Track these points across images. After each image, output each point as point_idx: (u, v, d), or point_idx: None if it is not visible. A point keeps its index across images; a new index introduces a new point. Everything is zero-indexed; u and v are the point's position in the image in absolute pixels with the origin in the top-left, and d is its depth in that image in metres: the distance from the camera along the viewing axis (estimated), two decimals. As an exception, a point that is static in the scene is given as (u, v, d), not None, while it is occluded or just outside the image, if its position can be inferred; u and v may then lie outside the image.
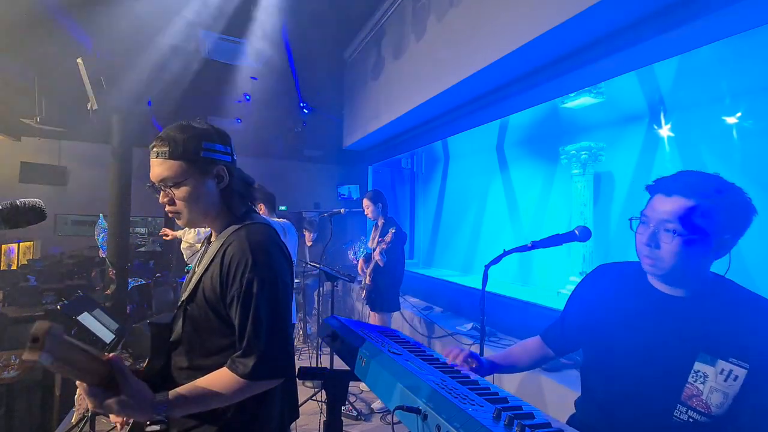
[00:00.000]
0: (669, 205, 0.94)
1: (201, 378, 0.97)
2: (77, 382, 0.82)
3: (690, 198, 0.92)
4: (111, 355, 0.85)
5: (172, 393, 0.91)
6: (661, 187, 0.97)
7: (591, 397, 1.18)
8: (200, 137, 1.03)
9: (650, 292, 1.05)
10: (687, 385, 0.94)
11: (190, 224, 1.09)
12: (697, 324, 0.96)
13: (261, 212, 2.95)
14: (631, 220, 1.05)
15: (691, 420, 0.93)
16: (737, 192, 0.94)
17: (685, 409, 0.94)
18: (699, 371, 0.93)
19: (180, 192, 1.03)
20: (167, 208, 1.06)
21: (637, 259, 1.07)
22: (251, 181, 1.17)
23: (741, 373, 0.89)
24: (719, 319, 0.95)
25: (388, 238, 3.42)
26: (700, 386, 0.93)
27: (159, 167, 1.02)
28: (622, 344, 1.05)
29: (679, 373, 0.95)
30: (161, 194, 1.05)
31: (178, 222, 1.09)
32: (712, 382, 0.91)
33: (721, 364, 0.91)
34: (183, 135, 1.02)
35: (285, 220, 2.99)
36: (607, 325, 1.10)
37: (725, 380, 0.90)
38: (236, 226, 1.07)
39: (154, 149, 1.02)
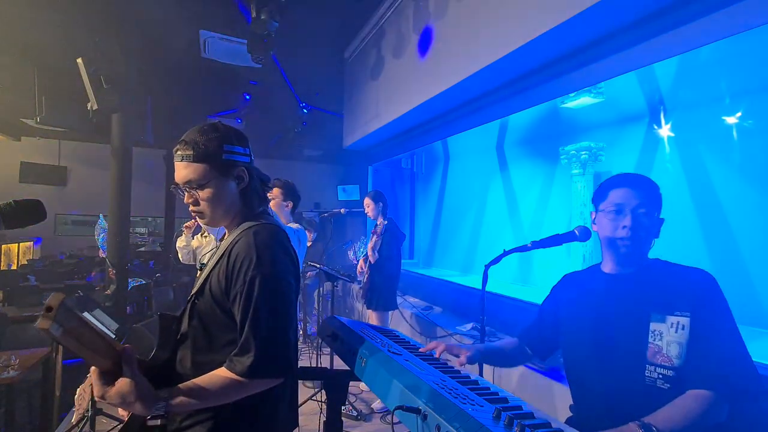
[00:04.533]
0: (638, 196, 1.19)
1: (202, 376, 0.98)
2: (91, 369, 0.85)
3: (648, 192, 1.20)
4: (126, 346, 0.88)
5: (173, 389, 0.93)
6: (627, 182, 1.23)
7: (579, 392, 1.27)
8: (222, 140, 1.07)
9: (604, 277, 1.27)
10: (649, 345, 1.11)
11: (212, 223, 1.13)
12: (645, 292, 1.16)
13: (288, 208, 2.90)
14: (596, 213, 1.28)
15: (660, 376, 1.08)
16: (657, 184, 1.23)
17: (653, 367, 1.09)
18: (655, 330, 1.11)
19: (204, 193, 1.07)
20: (191, 208, 1.10)
21: (595, 262, 1.34)
22: (267, 180, 1.21)
23: (686, 321, 1.08)
24: (661, 285, 1.15)
25: (378, 229, 3.43)
26: (659, 343, 1.10)
27: (184, 170, 1.06)
28: (591, 328, 1.22)
29: (640, 337, 1.12)
30: (186, 195, 1.09)
31: (201, 222, 1.14)
32: (668, 336, 1.09)
33: (670, 318, 1.10)
34: (205, 138, 1.06)
35: (299, 226, 2.94)
36: (576, 318, 1.28)
37: (676, 331, 1.08)
38: (247, 225, 1.09)
39: (179, 152, 1.06)
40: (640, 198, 1.18)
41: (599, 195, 1.27)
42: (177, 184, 1.09)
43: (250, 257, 1.00)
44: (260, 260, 1.00)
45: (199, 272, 1.15)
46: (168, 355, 1.06)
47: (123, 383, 0.86)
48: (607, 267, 1.27)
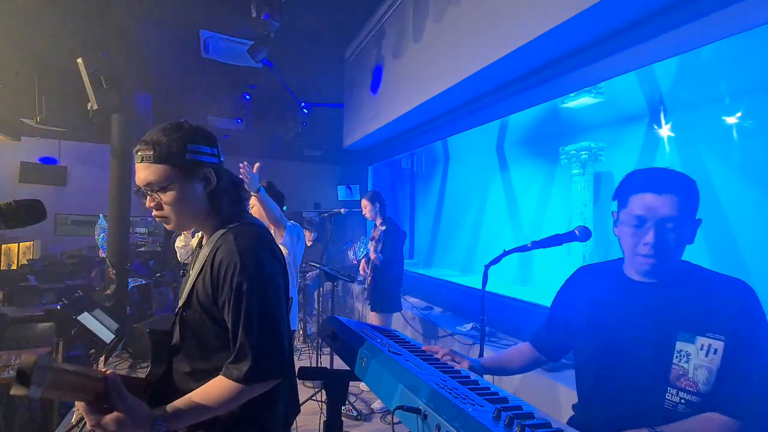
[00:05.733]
0: (666, 203, 1.00)
1: (198, 388, 0.96)
2: (77, 404, 0.82)
3: (679, 195, 1.00)
4: (108, 372, 0.83)
5: (170, 407, 0.90)
6: (650, 186, 1.02)
7: (587, 397, 1.20)
8: (185, 139, 1.00)
9: (627, 283, 1.12)
10: (673, 366, 0.98)
11: (179, 228, 1.08)
12: (673, 306, 1.02)
13: None
14: (617, 214, 1.11)
15: (682, 401, 0.97)
16: (692, 180, 1.04)
17: (675, 391, 0.98)
18: (681, 351, 0.98)
19: (166, 196, 1.00)
20: (154, 213, 1.04)
21: (617, 257, 1.18)
22: (240, 182, 1.15)
23: (719, 345, 0.94)
24: (692, 299, 1.01)
25: (376, 234, 3.44)
26: (685, 365, 0.97)
27: (144, 171, 1.00)
28: (608, 338, 1.10)
29: (664, 356, 1.00)
30: (148, 199, 1.02)
31: (167, 227, 1.07)
32: (695, 359, 0.96)
33: (700, 340, 0.96)
34: (167, 137, 0.99)
35: (294, 223, 2.93)
36: (592, 323, 1.15)
37: (706, 355, 0.95)
38: (225, 229, 1.05)
39: (139, 153, 1.00)
40: (668, 206, 0.99)
41: (619, 198, 1.11)
42: (139, 187, 1.02)
43: (234, 262, 0.97)
44: (244, 264, 0.97)
45: (182, 282, 1.12)
46: (164, 369, 1.04)
47: (117, 410, 0.82)
48: (631, 272, 1.12)
